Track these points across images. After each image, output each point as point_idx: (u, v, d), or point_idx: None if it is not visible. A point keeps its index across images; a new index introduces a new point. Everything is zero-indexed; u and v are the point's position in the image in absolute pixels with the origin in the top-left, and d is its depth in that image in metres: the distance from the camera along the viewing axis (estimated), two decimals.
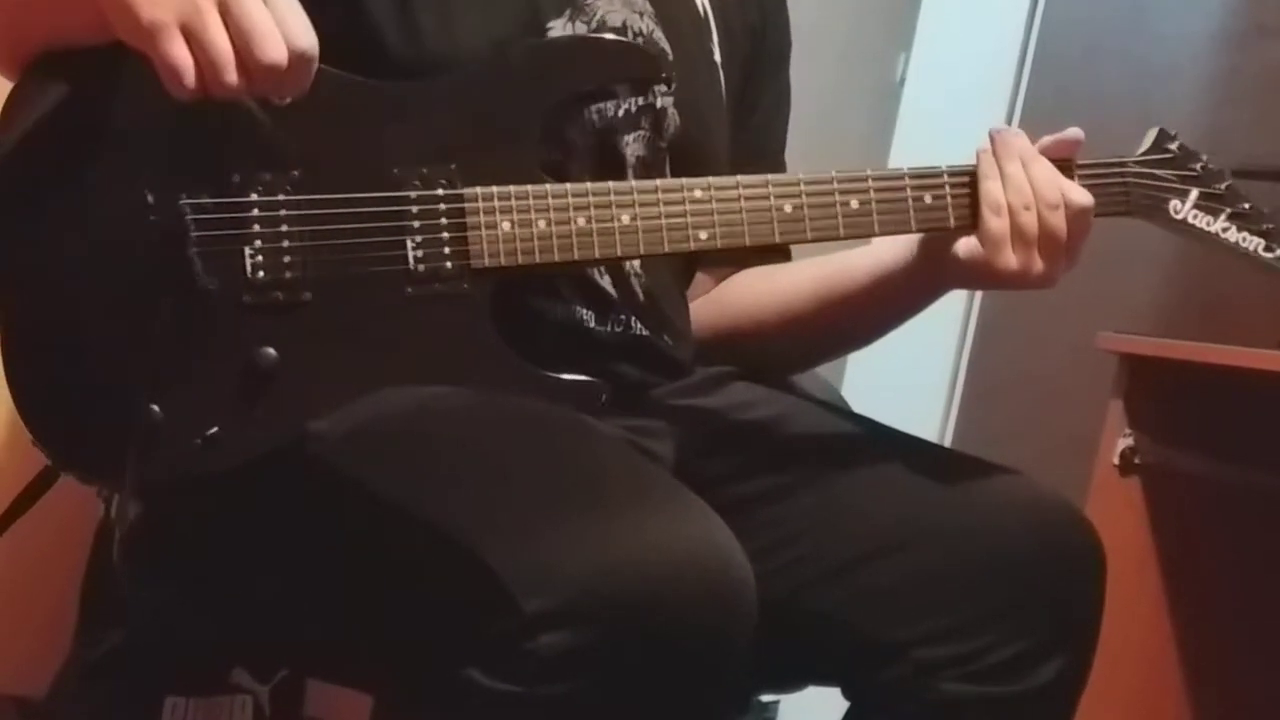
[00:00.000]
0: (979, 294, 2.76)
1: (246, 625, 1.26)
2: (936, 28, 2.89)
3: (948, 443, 2.72)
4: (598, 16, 1.27)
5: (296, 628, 1.21)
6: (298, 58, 1.05)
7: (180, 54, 1.03)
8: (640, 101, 1.28)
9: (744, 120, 1.42)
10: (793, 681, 1.39)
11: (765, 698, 2.54)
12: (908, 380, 2.68)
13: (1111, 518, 1.87)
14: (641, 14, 1.30)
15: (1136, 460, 1.92)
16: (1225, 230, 1.30)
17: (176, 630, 1.42)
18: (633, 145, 1.28)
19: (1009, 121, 2.73)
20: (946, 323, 2.72)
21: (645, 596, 0.97)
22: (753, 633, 1.03)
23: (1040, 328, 2.55)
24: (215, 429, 1.13)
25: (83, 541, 1.57)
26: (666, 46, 1.31)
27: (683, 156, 1.31)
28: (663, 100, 1.30)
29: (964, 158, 1.27)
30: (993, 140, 1.25)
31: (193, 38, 1.03)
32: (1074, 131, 1.28)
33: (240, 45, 1.04)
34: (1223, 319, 2.25)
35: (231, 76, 1.04)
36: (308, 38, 1.06)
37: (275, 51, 1.04)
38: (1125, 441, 1.91)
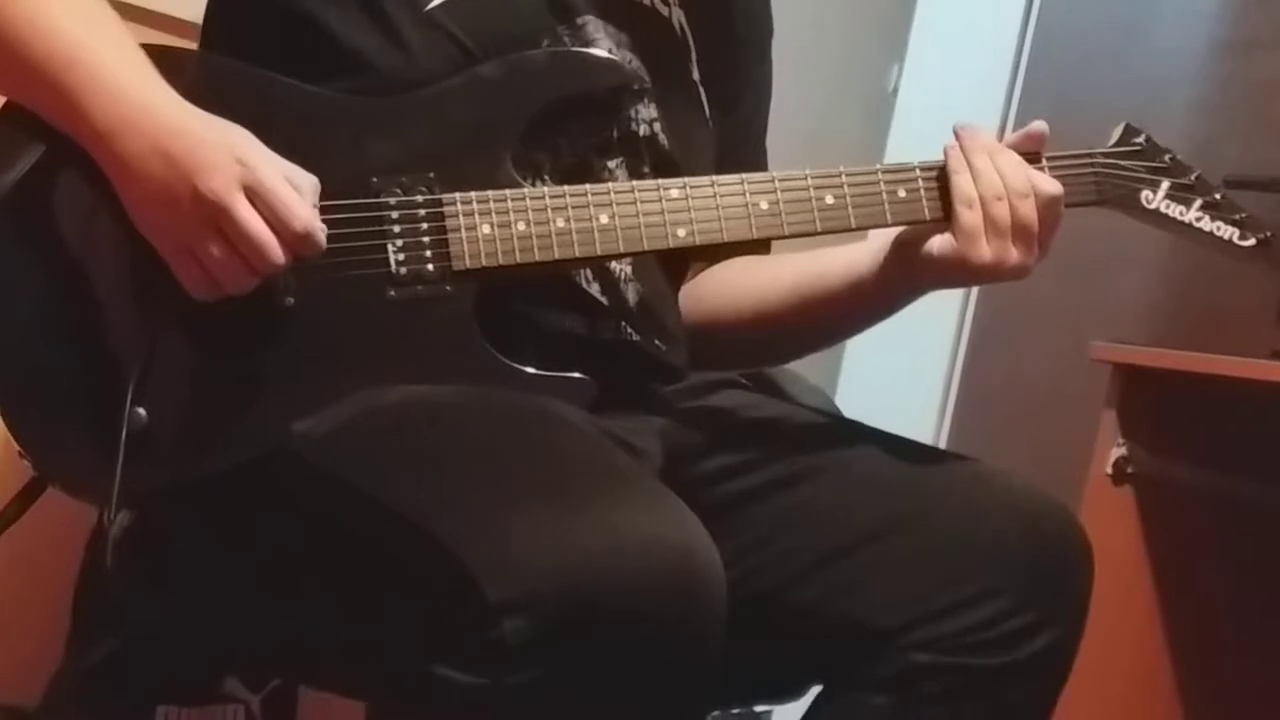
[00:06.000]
0: (973, 303, 2.76)
1: (237, 630, 1.26)
2: (930, 38, 2.90)
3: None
4: (578, 47, 1.27)
5: (286, 632, 1.21)
6: (303, 241, 1.10)
7: (191, 276, 1.12)
8: (620, 130, 1.29)
9: (727, 113, 1.42)
10: (785, 690, 1.38)
11: (759, 707, 2.53)
12: (901, 389, 2.69)
13: (1104, 527, 1.87)
14: (618, 44, 1.31)
15: (1129, 470, 1.92)
16: (1199, 219, 1.31)
17: (169, 637, 1.42)
18: (616, 172, 1.29)
19: (1002, 132, 2.72)
20: (940, 331, 2.73)
21: (608, 585, 0.98)
22: (723, 625, 1.03)
23: (1033, 337, 2.55)
24: (201, 433, 1.14)
25: (75, 549, 1.57)
26: (645, 74, 1.32)
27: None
28: (645, 128, 1.31)
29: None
30: (958, 136, 1.26)
31: (199, 263, 1.11)
32: (1039, 125, 1.29)
33: (248, 253, 1.10)
34: (1216, 329, 2.25)
35: (240, 286, 1.11)
36: (306, 222, 1.10)
37: (276, 255, 1.09)
38: (1118, 451, 1.91)
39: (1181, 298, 2.39)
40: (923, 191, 1.26)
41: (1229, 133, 2.34)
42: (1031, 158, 1.27)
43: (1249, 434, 1.92)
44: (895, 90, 2.95)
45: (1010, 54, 2.77)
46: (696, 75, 1.39)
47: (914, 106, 2.86)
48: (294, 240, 1.10)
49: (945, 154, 1.26)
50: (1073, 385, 2.28)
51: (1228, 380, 1.76)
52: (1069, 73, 2.69)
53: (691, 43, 1.39)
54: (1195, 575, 1.95)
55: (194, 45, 1.34)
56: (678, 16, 1.39)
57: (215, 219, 1.09)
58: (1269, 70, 2.34)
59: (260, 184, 1.10)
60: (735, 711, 1.44)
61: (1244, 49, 2.42)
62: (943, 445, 2.74)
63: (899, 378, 2.65)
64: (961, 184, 1.24)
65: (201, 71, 1.20)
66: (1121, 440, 1.91)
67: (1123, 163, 1.31)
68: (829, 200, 1.24)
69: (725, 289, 1.43)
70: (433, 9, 1.24)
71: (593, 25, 1.29)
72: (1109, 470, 1.91)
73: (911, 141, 2.76)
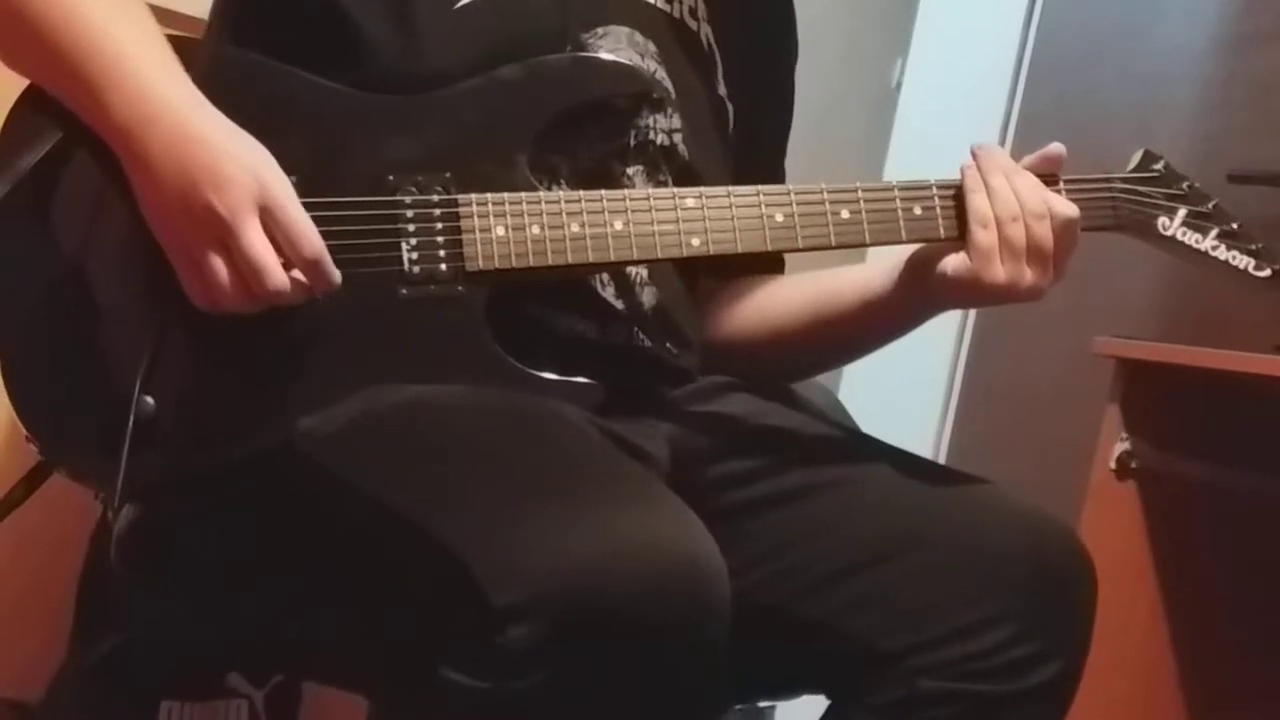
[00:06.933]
0: None
1: (240, 626, 1.26)
2: (933, 33, 2.90)
3: (944, 447, 2.73)
4: (600, 54, 1.28)
5: (289, 628, 1.21)
6: (313, 267, 1.10)
7: (191, 283, 1.11)
8: (638, 138, 1.29)
9: (749, 129, 1.43)
10: (786, 690, 1.39)
11: (761, 703, 2.54)
12: (905, 385, 2.69)
13: (1108, 523, 1.87)
14: (644, 55, 1.31)
15: (1133, 465, 1.91)
16: (1215, 248, 1.31)
17: (172, 633, 1.42)
18: (635, 179, 1.29)
19: (1005, 128, 2.74)
20: (943, 328, 2.72)
21: (612, 588, 0.98)
22: (727, 629, 1.03)
23: (1037, 332, 2.55)
24: (207, 425, 1.14)
25: (79, 546, 1.57)
26: (670, 86, 1.32)
27: None
28: (664, 138, 1.31)
29: (960, 164, 1.27)
30: (975, 156, 1.26)
31: (200, 273, 1.10)
32: (1056, 147, 1.29)
33: (247, 276, 1.09)
34: (1219, 323, 2.25)
35: (236, 305, 1.10)
36: (319, 248, 1.10)
37: (275, 282, 1.09)
38: (1122, 446, 1.91)
39: (1185, 293, 2.38)
40: (939, 210, 1.25)
41: (1232, 128, 2.34)
42: (1049, 180, 1.27)
43: (1252, 429, 1.92)
44: (898, 85, 2.95)
45: (1013, 49, 2.76)
46: (723, 90, 1.39)
47: (917, 102, 2.86)
48: (304, 265, 1.10)
49: (962, 173, 1.26)
50: (1075, 382, 2.28)
51: (1231, 375, 1.76)
52: (1072, 68, 2.69)
53: (719, 59, 1.40)
54: (1199, 570, 1.95)
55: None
56: (706, 32, 1.39)
57: (222, 235, 1.09)
58: (1272, 65, 2.33)
59: (276, 203, 1.10)
60: (738, 708, 1.44)
61: (1247, 44, 2.42)
62: (946, 440, 2.74)
63: (902, 373, 2.65)
64: (977, 203, 1.24)
65: (216, 66, 1.19)
66: (1125, 435, 1.91)
67: (1140, 188, 1.31)
68: (845, 215, 1.24)
69: (739, 308, 1.43)
70: (462, 6, 1.24)
71: (616, 34, 1.29)
72: (1112, 465, 1.91)
73: (915, 137, 2.76)
